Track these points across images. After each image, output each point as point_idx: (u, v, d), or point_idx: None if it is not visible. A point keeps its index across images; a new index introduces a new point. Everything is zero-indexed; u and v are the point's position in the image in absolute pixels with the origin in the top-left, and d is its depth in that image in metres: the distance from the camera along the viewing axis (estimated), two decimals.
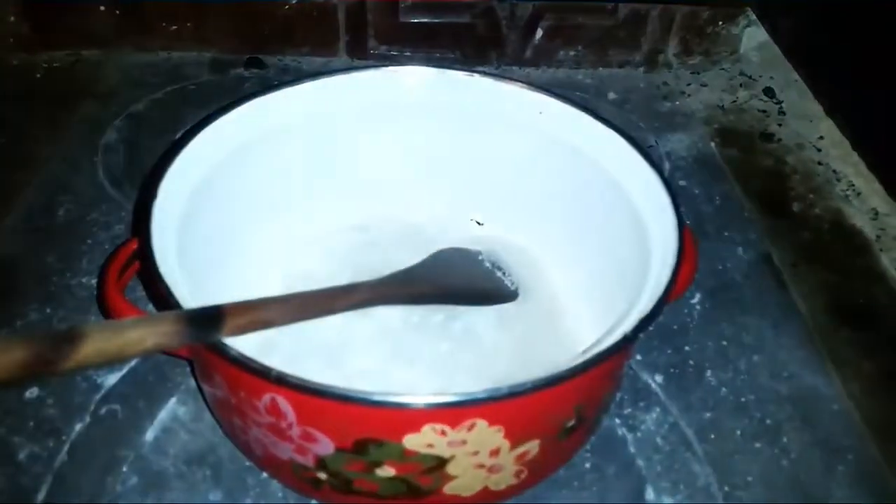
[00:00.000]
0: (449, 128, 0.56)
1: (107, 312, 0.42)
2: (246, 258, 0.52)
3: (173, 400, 0.50)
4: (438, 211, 0.59)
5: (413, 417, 0.35)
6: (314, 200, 0.57)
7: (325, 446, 0.38)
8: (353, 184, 0.57)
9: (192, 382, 0.51)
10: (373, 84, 0.55)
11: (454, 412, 0.35)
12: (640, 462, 0.49)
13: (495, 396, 0.34)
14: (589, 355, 0.36)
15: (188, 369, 0.52)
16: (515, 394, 0.34)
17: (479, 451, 0.38)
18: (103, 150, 0.70)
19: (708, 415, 0.52)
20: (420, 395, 0.34)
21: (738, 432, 0.51)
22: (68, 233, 0.62)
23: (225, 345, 0.35)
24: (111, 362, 0.36)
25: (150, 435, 0.48)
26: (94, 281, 0.58)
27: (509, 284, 0.56)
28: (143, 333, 0.32)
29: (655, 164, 0.47)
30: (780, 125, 0.80)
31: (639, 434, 0.50)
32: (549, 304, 0.56)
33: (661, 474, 0.48)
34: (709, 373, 0.54)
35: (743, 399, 0.53)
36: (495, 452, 0.38)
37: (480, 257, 0.58)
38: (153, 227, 0.41)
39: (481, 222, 0.60)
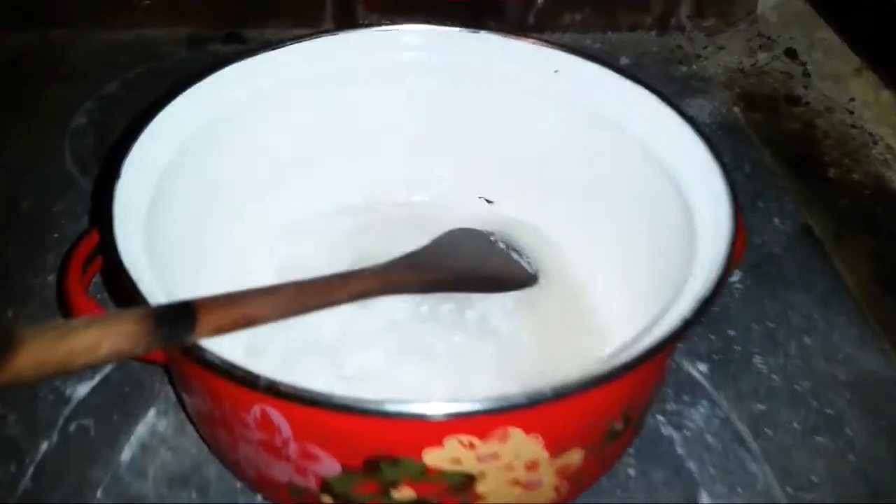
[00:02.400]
0: (453, 93, 0.50)
1: (68, 313, 0.36)
2: (227, 247, 0.46)
3: (152, 412, 0.44)
4: (443, 188, 0.54)
5: (434, 429, 0.29)
6: (303, 179, 0.50)
7: (329, 466, 0.32)
8: (347, 159, 0.51)
9: (173, 391, 0.45)
10: (367, 46, 0.48)
11: (484, 420, 0.29)
12: (690, 464, 0.43)
13: (536, 400, 0.28)
14: (644, 345, 0.30)
15: (168, 376, 0.45)
16: (560, 395, 0.28)
17: (513, 465, 0.32)
18: (71, 135, 0.64)
19: (761, 406, 0.46)
20: (441, 403, 0.28)
21: (796, 425, 0.45)
22: (32, 225, 0.56)
23: (200, 348, 0.29)
24: (56, 374, 0.29)
25: (126, 453, 0.42)
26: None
27: (527, 268, 0.50)
28: (97, 336, 0.26)
29: (698, 128, 0.40)
30: (805, 87, 0.74)
31: (686, 432, 0.44)
32: (572, 289, 0.50)
33: (715, 477, 0.42)
34: (757, 359, 0.49)
35: (797, 387, 0.47)
36: (533, 466, 0.32)
37: (493, 238, 0.51)
38: (115, 211, 0.35)
39: (491, 200, 0.54)
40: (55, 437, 0.43)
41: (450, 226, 0.52)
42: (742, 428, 0.45)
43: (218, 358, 0.29)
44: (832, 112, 0.71)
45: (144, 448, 0.42)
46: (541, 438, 0.31)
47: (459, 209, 0.54)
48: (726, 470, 0.43)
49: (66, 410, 0.44)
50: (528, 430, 0.30)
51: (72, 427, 0.43)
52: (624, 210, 0.46)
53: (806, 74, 0.75)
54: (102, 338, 0.26)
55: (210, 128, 0.43)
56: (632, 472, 0.42)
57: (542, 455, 0.32)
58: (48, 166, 0.61)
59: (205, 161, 0.43)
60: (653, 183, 0.42)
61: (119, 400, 0.45)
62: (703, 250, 0.36)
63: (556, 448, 0.32)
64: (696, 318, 0.31)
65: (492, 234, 0.52)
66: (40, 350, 0.24)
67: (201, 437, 0.41)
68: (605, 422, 0.33)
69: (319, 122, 0.49)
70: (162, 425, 0.44)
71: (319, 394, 0.28)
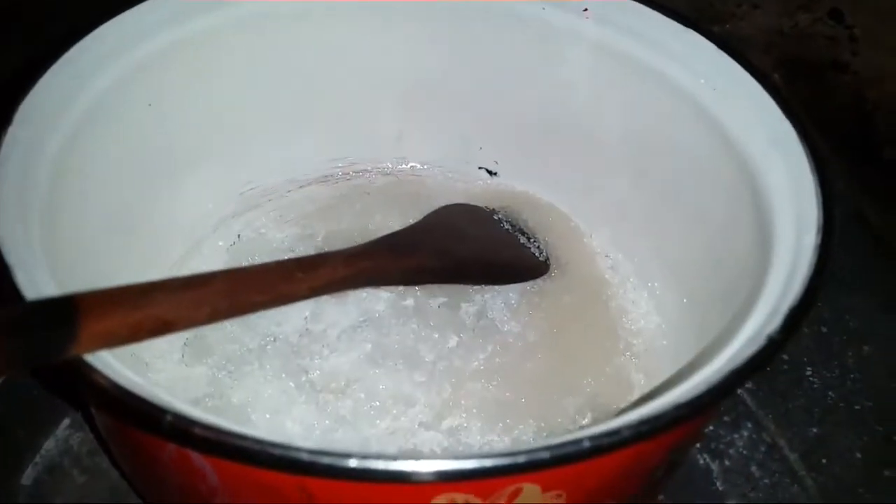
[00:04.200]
0: (455, 35, 0.41)
1: None
2: (164, 229, 0.38)
3: (66, 422, 0.36)
4: (436, 153, 0.46)
5: (421, 491, 0.20)
6: (259, 140, 0.42)
7: None
8: (320, 114, 0.43)
9: None
10: None
11: (489, 479, 0.21)
12: (731, 502, 0.35)
13: (565, 457, 0.19)
14: (707, 381, 0.21)
15: None
16: (598, 452, 0.19)
17: None
18: None
19: (815, 430, 0.40)
20: (433, 461, 0.19)
21: (858, 455, 0.38)
22: None
23: (84, 365, 0.20)
24: None
25: (29, 475, 0.34)
26: None
27: (536, 253, 0.42)
28: None
29: (774, 89, 0.32)
30: (853, 54, 0.66)
31: (727, 462, 0.37)
32: (590, 281, 0.43)
33: None
34: (808, 371, 0.42)
35: (858, 407, 0.41)
36: None
37: (497, 217, 0.43)
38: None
39: (494, 171, 0.46)
40: None
41: (445, 200, 0.44)
42: (793, 457, 0.38)
43: (108, 381, 0.20)
44: (883, 82, 0.62)
45: (53, 470, 0.35)
46: (564, 497, 0.23)
47: (455, 181, 0.46)
48: None
49: None
50: (546, 488, 0.22)
51: None
52: (665, 187, 0.38)
53: (852, 39, 0.67)
54: None
55: (136, 73, 0.34)
56: None
57: None
58: None
59: (129, 116, 0.34)
60: (708, 155, 0.33)
61: (27, 406, 0.37)
62: (779, 253, 0.27)
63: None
64: (777, 349, 0.22)
65: (495, 211, 0.44)
66: None
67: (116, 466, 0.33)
68: (648, 470, 0.25)
69: (280, 69, 0.40)
70: (76, 440, 0.36)
71: (252, 440, 0.19)
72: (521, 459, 0.19)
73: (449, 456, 0.19)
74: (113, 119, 0.34)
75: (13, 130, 0.28)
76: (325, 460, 0.19)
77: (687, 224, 0.37)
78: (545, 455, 0.19)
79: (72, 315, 0.20)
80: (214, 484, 0.23)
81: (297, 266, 0.29)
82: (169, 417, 0.19)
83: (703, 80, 0.34)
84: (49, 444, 0.35)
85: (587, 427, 0.34)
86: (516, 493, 0.22)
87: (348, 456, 0.19)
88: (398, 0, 0.40)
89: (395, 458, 0.19)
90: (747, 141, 0.32)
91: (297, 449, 0.19)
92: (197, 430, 0.19)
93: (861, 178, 0.54)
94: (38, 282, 0.23)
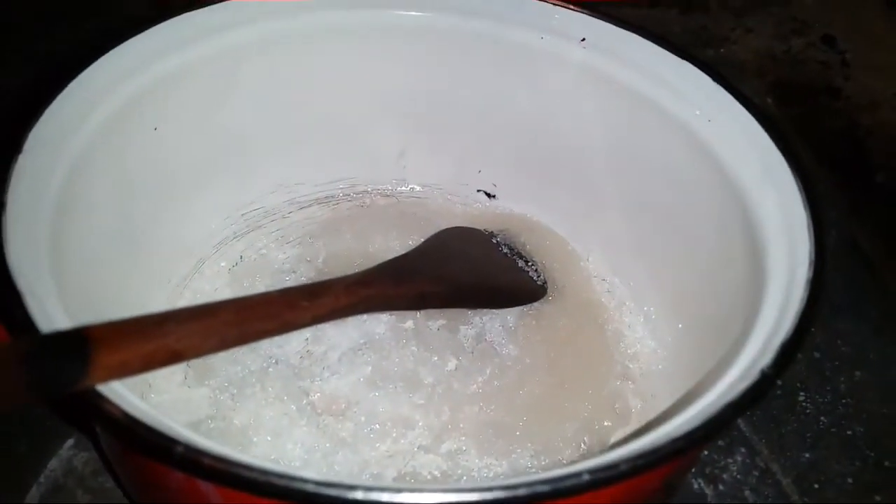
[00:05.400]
0: (457, 62, 0.42)
1: None
2: (165, 248, 0.38)
3: (70, 442, 0.36)
4: (436, 176, 0.47)
5: None
6: (261, 161, 0.42)
7: None
8: (317, 137, 0.43)
9: None
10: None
11: None
12: None
13: (567, 489, 0.20)
14: (708, 408, 0.22)
15: None
16: (602, 482, 0.20)
17: None
18: None
19: (807, 455, 0.40)
20: (430, 493, 0.20)
21: (850, 480, 0.38)
22: None
23: (96, 396, 0.20)
24: None
25: (33, 495, 0.35)
26: None
27: (534, 277, 0.42)
28: None
29: (767, 120, 0.32)
30: (846, 79, 0.66)
31: (721, 486, 0.38)
32: (588, 304, 0.43)
33: None
34: (801, 396, 0.43)
35: (850, 432, 0.41)
36: None
37: (496, 240, 0.44)
38: (8, 197, 0.26)
39: (493, 194, 0.47)
40: None
41: (444, 222, 0.44)
42: (786, 482, 0.38)
43: (120, 411, 0.20)
44: (877, 107, 0.63)
45: (58, 489, 0.35)
46: None
47: (454, 204, 0.47)
48: None
49: None
50: None
51: None
52: (659, 215, 0.39)
53: (845, 64, 0.68)
54: None
55: (141, 98, 0.34)
56: None
57: None
58: None
59: (134, 140, 0.34)
60: (701, 184, 0.34)
61: (31, 424, 0.37)
62: (772, 284, 0.28)
63: None
64: (770, 383, 0.23)
65: (494, 234, 0.44)
66: None
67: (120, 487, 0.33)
68: (644, 498, 0.26)
69: (282, 92, 0.41)
70: (81, 460, 0.36)
71: (259, 476, 0.19)
72: (521, 492, 0.20)
73: (452, 489, 0.20)
74: (119, 144, 0.34)
75: (22, 159, 0.29)
76: (331, 492, 0.20)
77: (681, 251, 0.37)
78: (545, 488, 0.20)
79: (85, 347, 0.20)
80: None
81: (301, 294, 0.29)
82: (180, 448, 0.19)
83: (698, 112, 0.35)
84: (53, 464, 0.35)
85: (585, 454, 0.35)
86: None
87: (354, 488, 0.20)
88: (400, 25, 0.41)
89: (399, 490, 0.20)
90: (740, 173, 0.32)
91: (304, 480, 0.20)
92: (206, 461, 0.19)
93: (854, 202, 0.55)
94: (47, 307, 0.24)
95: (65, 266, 0.28)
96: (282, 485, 0.19)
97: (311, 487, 0.20)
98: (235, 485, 0.19)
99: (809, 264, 0.27)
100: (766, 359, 0.24)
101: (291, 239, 0.44)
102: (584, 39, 0.38)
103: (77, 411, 0.20)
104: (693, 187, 0.36)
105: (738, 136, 0.33)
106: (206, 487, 0.22)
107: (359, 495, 0.19)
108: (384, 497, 0.19)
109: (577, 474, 0.20)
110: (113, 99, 0.34)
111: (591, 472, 0.20)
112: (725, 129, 0.34)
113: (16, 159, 0.28)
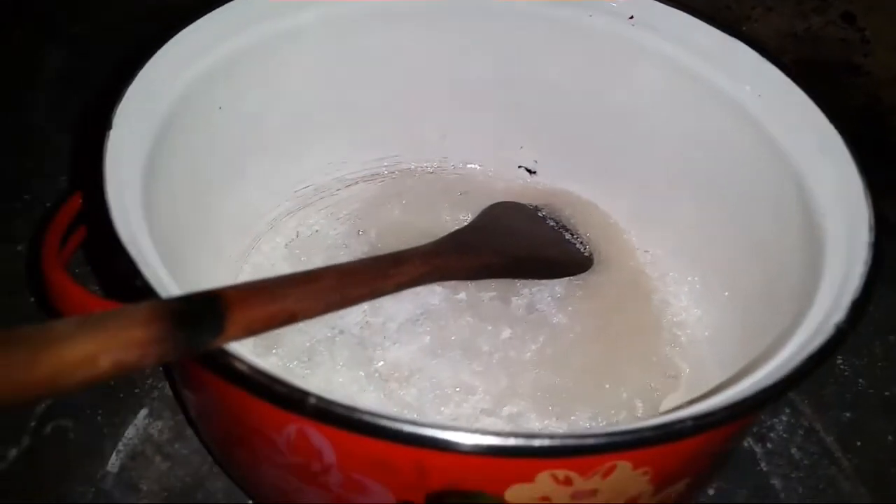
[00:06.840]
0: (494, 40, 0.42)
1: (47, 300, 0.28)
2: (225, 225, 0.39)
3: (144, 412, 0.38)
4: (478, 153, 0.48)
5: (529, 465, 0.22)
6: (312, 142, 0.43)
7: (379, 499, 0.25)
8: (363, 116, 0.44)
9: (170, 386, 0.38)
10: None
11: (590, 456, 0.23)
12: (775, 482, 0.37)
13: (669, 434, 0.21)
14: (792, 360, 0.24)
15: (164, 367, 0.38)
16: (699, 429, 0.21)
17: (610, 502, 0.25)
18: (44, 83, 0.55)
19: (848, 415, 0.41)
20: (545, 437, 0.21)
21: (890, 437, 0.40)
22: None
23: (228, 355, 0.22)
24: (35, 399, 0.22)
25: (114, 463, 0.36)
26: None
27: (580, 249, 0.43)
28: (94, 346, 0.19)
29: (821, 101, 0.34)
30: (865, 56, 0.67)
31: (769, 445, 0.39)
32: (632, 275, 0.44)
33: (805, 496, 0.36)
34: (839, 359, 0.44)
35: (887, 393, 0.42)
36: (633, 501, 0.26)
37: (542, 214, 0.45)
38: (107, 172, 0.27)
39: (534, 170, 0.47)
40: (27, 441, 0.36)
41: (483, 199, 0.45)
42: (829, 440, 0.40)
43: (252, 368, 0.22)
44: None
45: (136, 456, 0.36)
46: (649, 472, 0.25)
47: (494, 179, 0.47)
48: (816, 489, 0.38)
49: (40, 409, 0.37)
50: (636, 465, 0.24)
51: (47, 429, 0.37)
52: (704, 186, 0.40)
53: (865, 41, 0.69)
54: (100, 348, 0.19)
55: (215, 73, 0.35)
56: (711, 491, 0.36)
57: (646, 489, 0.26)
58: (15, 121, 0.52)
59: (200, 123, 0.35)
60: (752, 155, 0.35)
61: (104, 396, 0.38)
62: (832, 251, 0.29)
63: (663, 482, 0.26)
64: (845, 337, 0.25)
65: (539, 209, 0.45)
66: (12, 369, 0.17)
67: (205, 445, 0.34)
68: (718, 449, 0.27)
69: (336, 70, 0.41)
70: (156, 428, 0.37)
71: (390, 420, 0.21)
72: (627, 438, 0.21)
73: (561, 435, 0.21)
74: (188, 123, 0.35)
75: (112, 134, 0.30)
76: (447, 435, 0.21)
77: (727, 223, 0.38)
78: (650, 434, 0.21)
79: (221, 309, 0.22)
80: (330, 461, 0.24)
81: (388, 262, 0.30)
82: (312, 399, 0.21)
83: (748, 87, 0.36)
84: (130, 433, 0.36)
85: (640, 416, 0.37)
86: (611, 469, 0.24)
87: (467, 431, 0.21)
88: (445, 5, 0.41)
89: (511, 434, 0.21)
90: (792, 145, 0.34)
91: (423, 424, 0.21)
92: (338, 410, 0.21)
93: (877, 178, 0.56)
94: (160, 276, 0.25)
95: (154, 233, 0.29)
96: (406, 430, 0.21)
97: (428, 431, 0.21)
98: (369, 432, 0.21)
99: (869, 229, 0.28)
100: (839, 315, 0.25)
101: (341, 215, 0.45)
102: (632, 17, 0.40)
103: (206, 366, 0.21)
104: (742, 161, 0.37)
105: (788, 109, 0.35)
106: (317, 440, 0.24)
107: (471, 439, 0.21)
108: (496, 441, 0.21)
109: (682, 420, 0.21)
110: (183, 79, 0.34)
111: (696, 419, 0.21)
112: (775, 103, 0.35)
113: (107, 135, 0.29)
